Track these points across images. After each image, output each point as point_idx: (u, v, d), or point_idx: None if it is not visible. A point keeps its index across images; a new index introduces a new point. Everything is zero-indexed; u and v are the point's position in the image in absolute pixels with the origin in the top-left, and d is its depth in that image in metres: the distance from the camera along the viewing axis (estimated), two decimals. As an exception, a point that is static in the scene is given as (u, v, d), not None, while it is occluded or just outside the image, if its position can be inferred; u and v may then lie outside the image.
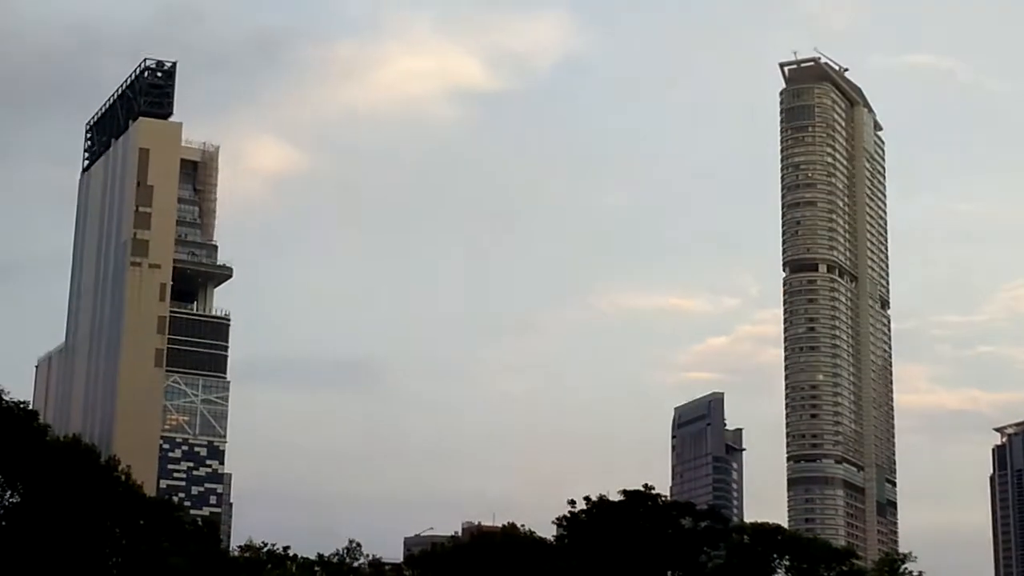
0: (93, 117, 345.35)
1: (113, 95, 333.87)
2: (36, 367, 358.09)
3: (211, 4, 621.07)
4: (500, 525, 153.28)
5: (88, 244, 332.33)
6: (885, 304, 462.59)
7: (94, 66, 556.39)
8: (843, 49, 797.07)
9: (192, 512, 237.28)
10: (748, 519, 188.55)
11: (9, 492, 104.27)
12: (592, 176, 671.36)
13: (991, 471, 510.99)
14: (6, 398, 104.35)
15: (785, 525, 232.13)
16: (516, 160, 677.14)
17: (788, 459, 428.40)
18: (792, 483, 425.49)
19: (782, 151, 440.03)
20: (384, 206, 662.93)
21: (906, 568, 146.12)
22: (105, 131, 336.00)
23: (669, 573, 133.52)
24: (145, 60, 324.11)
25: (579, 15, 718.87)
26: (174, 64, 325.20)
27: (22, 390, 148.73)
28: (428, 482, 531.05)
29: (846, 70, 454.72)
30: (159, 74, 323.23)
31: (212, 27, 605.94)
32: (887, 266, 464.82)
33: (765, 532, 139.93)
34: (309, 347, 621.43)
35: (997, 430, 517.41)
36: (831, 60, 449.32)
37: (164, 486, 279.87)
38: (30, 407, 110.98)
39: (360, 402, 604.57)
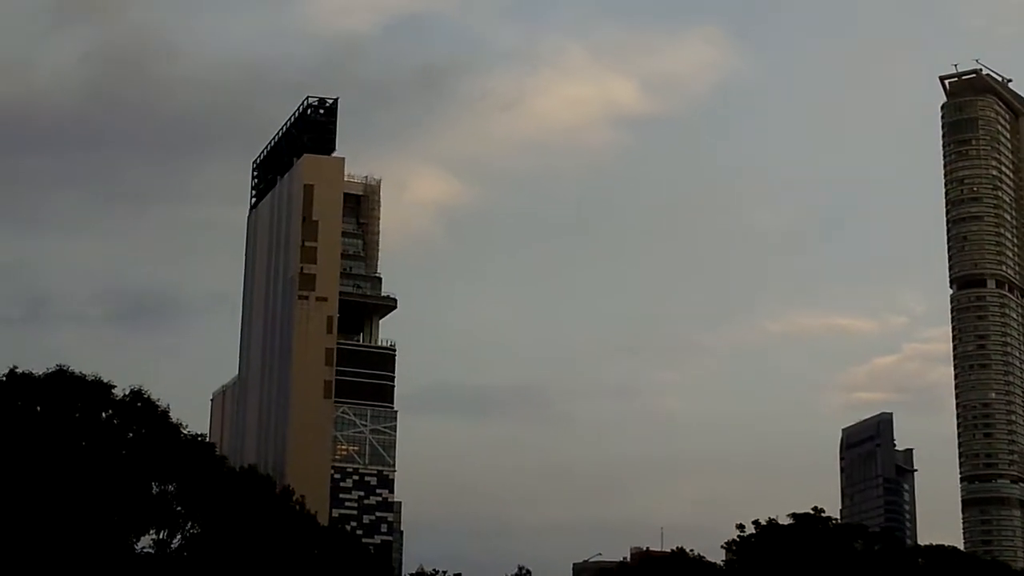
0: (259, 156, 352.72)
1: (278, 133, 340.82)
2: (211, 400, 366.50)
3: (369, 41, 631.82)
4: (669, 550, 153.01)
5: (257, 279, 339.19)
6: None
7: (260, 106, 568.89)
8: (1006, 61, 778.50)
9: (364, 540, 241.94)
10: (922, 541, 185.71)
11: (190, 523, 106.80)
12: (753, 196, 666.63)
13: None
14: (184, 432, 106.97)
15: (961, 547, 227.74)
16: (676, 183, 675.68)
17: (962, 479, 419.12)
18: (967, 504, 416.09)
19: (945, 166, 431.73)
20: (545, 233, 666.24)
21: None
22: (271, 169, 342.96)
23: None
24: (308, 98, 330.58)
25: (732, 32, 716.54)
26: (336, 100, 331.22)
27: (199, 423, 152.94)
28: (595, 507, 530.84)
29: (1009, 81, 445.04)
30: (321, 111, 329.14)
31: (371, 63, 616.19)
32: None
33: (941, 554, 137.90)
34: (474, 375, 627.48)
35: None
36: (993, 71, 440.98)
37: (336, 515, 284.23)
38: (207, 440, 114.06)
39: (526, 429, 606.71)
